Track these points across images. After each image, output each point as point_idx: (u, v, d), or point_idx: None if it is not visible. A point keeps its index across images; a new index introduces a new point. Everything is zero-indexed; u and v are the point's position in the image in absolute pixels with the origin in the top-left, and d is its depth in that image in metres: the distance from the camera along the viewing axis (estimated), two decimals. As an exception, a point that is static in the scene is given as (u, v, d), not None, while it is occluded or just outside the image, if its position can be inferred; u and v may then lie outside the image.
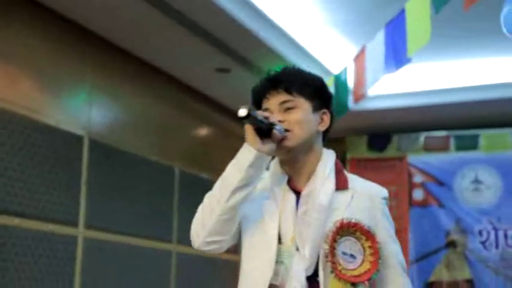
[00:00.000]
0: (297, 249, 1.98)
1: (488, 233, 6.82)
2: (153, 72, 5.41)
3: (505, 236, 6.75)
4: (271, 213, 2.04)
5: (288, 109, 2.01)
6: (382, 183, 7.03)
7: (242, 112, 1.85)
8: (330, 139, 6.99)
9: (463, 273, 6.86)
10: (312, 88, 2.04)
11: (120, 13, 4.52)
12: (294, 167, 2.06)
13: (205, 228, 1.96)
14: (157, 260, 5.35)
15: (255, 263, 2.01)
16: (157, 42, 4.96)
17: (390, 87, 6.32)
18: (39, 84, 4.41)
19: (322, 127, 2.04)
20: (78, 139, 4.63)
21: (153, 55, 5.22)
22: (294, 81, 2.04)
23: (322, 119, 2.04)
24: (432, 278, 6.93)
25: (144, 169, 5.26)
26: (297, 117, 2.00)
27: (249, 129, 1.91)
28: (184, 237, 5.11)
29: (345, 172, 2.09)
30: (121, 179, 5.00)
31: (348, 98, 5.21)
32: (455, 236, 6.93)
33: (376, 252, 1.98)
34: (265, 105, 2.05)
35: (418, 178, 7.13)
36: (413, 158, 7.16)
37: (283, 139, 1.94)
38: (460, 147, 7.03)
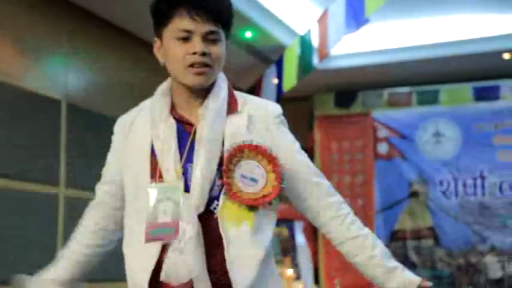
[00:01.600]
0: (186, 184, 1.85)
1: (449, 182, 7.05)
2: (129, 38, 5.57)
3: (464, 185, 6.98)
4: (143, 147, 1.92)
5: (212, 41, 1.86)
6: (348, 139, 7.40)
7: None
8: (298, 97, 7.37)
9: (425, 221, 7.09)
10: (231, 19, 1.92)
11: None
12: (187, 96, 1.93)
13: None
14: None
15: (136, 216, 1.89)
16: (132, 7, 5.12)
17: (355, 47, 6.52)
18: (18, 51, 4.60)
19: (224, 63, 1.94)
20: (57, 103, 4.84)
21: (129, 21, 5.37)
22: (223, 10, 1.89)
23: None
24: (397, 227, 7.16)
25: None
26: (219, 53, 1.88)
27: None
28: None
29: (236, 94, 1.97)
30: (97, 140, 5.22)
31: (313, 57, 5.46)
32: (417, 187, 7.14)
33: (279, 176, 1.85)
34: (186, 25, 1.84)
35: (382, 133, 7.28)
36: (377, 114, 7.30)
37: None
38: (421, 102, 7.19)
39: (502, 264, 6.85)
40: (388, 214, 7.20)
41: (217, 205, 1.83)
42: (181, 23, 1.84)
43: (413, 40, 6.54)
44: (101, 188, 2.05)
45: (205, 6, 1.83)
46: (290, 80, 5.66)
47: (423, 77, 7.11)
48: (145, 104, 1.99)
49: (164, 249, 1.80)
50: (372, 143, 7.28)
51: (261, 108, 1.94)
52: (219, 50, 1.87)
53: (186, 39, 1.84)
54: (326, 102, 7.45)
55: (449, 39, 6.43)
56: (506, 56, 6.53)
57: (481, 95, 6.98)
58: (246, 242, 1.82)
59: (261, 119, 1.92)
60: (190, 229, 1.79)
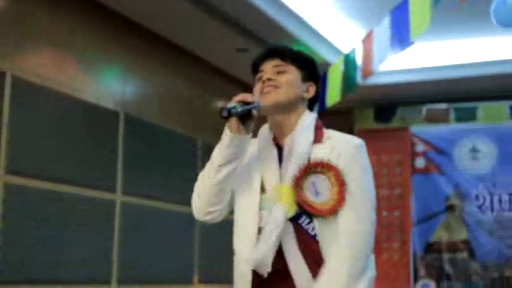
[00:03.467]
0: None
1: (484, 197, 7.15)
2: (179, 53, 5.90)
3: (500, 200, 7.09)
4: (255, 170, 2.24)
5: (280, 72, 2.25)
6: (387, 152, 7.62)
7: (224, 113, 2.08)
8: (339, 111, 7.66)
9: (461, 235, 7.19)
10: (302, 60, 2.31)
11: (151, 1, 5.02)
12: (278, 124, 2.25)
13: (201, 201, 2.22)
14: (181, 222, 5.89)
15: (244, 216, 2.20)
16: (182, 25, 5.44)
17: (395, 64, 6.75)
18: (81, 65, 4.93)
19: (307, 95, 2.28)
20: (115, 114, 5.16)
21: (179, 37, 5.70)
22: (289, 51, 2.31)
23: (308, 89, 2.29)
24: (432, 239, 7.27)
25: (171, 141, 5.79)
26: (287, 78, 2.23)
27: (232, 121, 2.12)
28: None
29: (324, 129, 2.26)
30: (150, 149, 5.53)
31: (357, 74, 5.69)
32: (454, 201, 7.25)
33: (342, 192, 2.09)
34: (261, 67, 2.27)
35: (420, 147, 7.41)
36: (415, 129, 7.44)
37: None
38: (459, 119, 7.34)
39: (535, 278, 6.98)
40: (424, 226, 7.31)
41: (307, 222, 2.12)
42: (259, 69, 2.28)
43: (451, 59, 6.73)
44: None
45: (271, 51, 2.29)
46: (333, 96, 5.88)
47: (461, 94, 7.27)
48: (251, 141, 2.29)
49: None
50: (410, 157, 7.43)
51: (343, 142, 2.20)
52: (285, 78, 2.24)
53: (261, 78, 2.26)
54: (366, 117, 7.65)
55: (486, 59, 6.62)
56: (543, 76, 6.70)
57: (518, 112, 7.15)
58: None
59: (343, 149, 2.17)
60: (275, 230, 2.10)
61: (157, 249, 5.46)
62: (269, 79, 2.22)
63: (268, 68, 2.26)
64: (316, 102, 2.34)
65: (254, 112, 2.14)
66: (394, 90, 7.16)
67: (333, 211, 2.10)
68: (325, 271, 2.06)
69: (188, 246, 5.90)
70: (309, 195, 2.13)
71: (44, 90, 4.51)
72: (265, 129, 2.29)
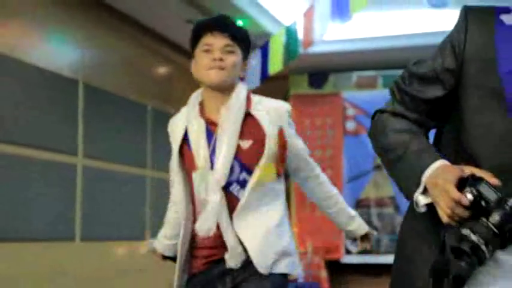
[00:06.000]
0: (212, 167, 2.40)
1: None
2: (133, 24, 6.16)
3: None
4: (179, 140, 2.48)
5: (229, 52, 2.43)
6: (320, 116, 8.17)
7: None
8: (275, 77, 8.09)
9: (388, 191, 7.76)
10: (247, 41, 2.52)
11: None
12: (213, 99, 2.46)
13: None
14: (134, 182, 6.25)
15: (178, 192, 2.52)
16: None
17: (328, 35, 7.20)
18: (43, 36, 5.17)
19: (242, 73, 2.51)
20: (74, 82, 5.44)
21: (133, 9, 5.94)
22: (238, 31, 2.49)
23: (244, 67, 2.52)
24: (362, 195, 7.85)
25: (123, 107, 6.11)
26: (234, 61, 2.43)
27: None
28: (157, 165, 6.00)
29: (252, 96, 2.49)
30: (106, 115, 5.84)
31: (298, 45, 6.15)
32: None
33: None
34: (208, 40, 2.43)
35: (350, 111, 7.91)
36: (347, 94, 7.94)
37: None
38: (386, 85, 7.72)
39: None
40: (354, 184, 7.86)
41: (237, 189, 2.41)
42: (205, 39, 2.46)
43: (379, 31, 7.23)
44: (172, 174, 2.68)
45: (222, 27, 2.46)
46: (275, 65, 6.33)
47: (388, 63, 7.73)
48: (182, 110, 2.59)
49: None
50: (341, 120, 7.91)
51: (275, 106, 2.50)
52: (233, 60, 2.45)
53: (208, 51, 2.45)
54: (300, 83, 8.04)
55: (412, 31, 7.17)
56: (462, 46, 7.30)
57: (439, 80, 7.75)
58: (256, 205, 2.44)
59: (277, 113, 2.47)
60: (214, 197, 2.40)
61: (114, 208, 5.82)
62: (220, 59, 2.41)
63: (218, 45, 2.42)
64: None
65: None
66: (326, 58, 7.56)
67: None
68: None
69: (141, 205, 6.29)
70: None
71: (8, 59, 4.71)
72: (193, 102, 2.50)
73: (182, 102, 5.70)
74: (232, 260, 2.42)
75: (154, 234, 6.28)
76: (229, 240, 2.40)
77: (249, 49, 2.55)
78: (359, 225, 2.72)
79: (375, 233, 2.83)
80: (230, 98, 2.45)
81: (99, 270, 5.57)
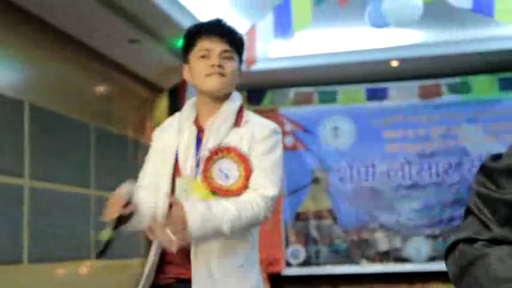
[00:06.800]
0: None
1: (345, 170, 7.96)
2: (75, 43, 6.12)
3: (358, 172, 7.93)
4: (172, 147, 2.32)
5: (227, 58, 2.29)
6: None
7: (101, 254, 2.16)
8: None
9: (325, 204, 7.96)
10: (243, 48, 2.40)
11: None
12: (207, 106, 2.31)
13: None
14: (79, 202, 6.22)
15: (157, 197, 2.31)
16: (77, 17, 5.68)
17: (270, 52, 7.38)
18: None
19: (238, 79, 2.39)
20: (20, 102, 5.41)
21: (76, 28, 5.91)
22: (236, 36, 2.36)
23: (240, 73, 2.40)
24: (300, 209, 7.98)
25: (68, 127, 6.09)
26: (233, 68, 2.31)
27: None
28: (101, 184, 6.01)
29: (246, 112, 2.35)
30: (51, 136, 5.81)
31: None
32: (318, 174, 8.00)
33: (247, 177, 2.23)
34: (206, 45, 2.29)
35: (288, 127, 8.02)
36: (284, 110, 8.10)
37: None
38: (322, 101, 8.06)
39: (388, 239, 7.89)
40: (293, 198, 8.00)
41: None
42: (202, 44, 2.32)
43: (314, 49, 7.43)
44: (145, 178, 2.47)
45: (220, 31, 2.33)
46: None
47: (323, 79, 7.99)
48: (176, 115, 2.44)
49: None
50: (279, 135, 8.13)
51: (259, 122, 2.34)
52: (232, 67, 2.31)
53: (205, 57, 2.31)
54: None
55: (347, 48, 7.41)
56: (394, 63, 7.62)
57: (373, 95, 7.98)
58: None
59: (255, 132, 2.29)
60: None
61: (60, 229, 5.79)
62: (219, 65, 2.27)
63: (217, 51, 2.28)
64: None
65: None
66: (264, 75, 7.67)
67: (245, 187, 2.24)
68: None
69: (85, 225, 6.26)
70: (220, 181, 2.23)
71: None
72: (188, 107, 2.37)
73: (124, 121, 5.83)
74: (198, 285, 2.22)
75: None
76: (197, 260, 2.24)
77: (243, 54, 2.42)
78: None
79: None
80: (223, 107, 2.32)
81: (47, 291, 5.53)
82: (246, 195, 2.22)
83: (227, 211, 2.17)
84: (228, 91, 2.34)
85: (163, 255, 2.33)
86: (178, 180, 2.30)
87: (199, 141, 2.31)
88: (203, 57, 2.29)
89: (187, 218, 2.10)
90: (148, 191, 2.37)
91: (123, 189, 2.21)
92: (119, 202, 2.18)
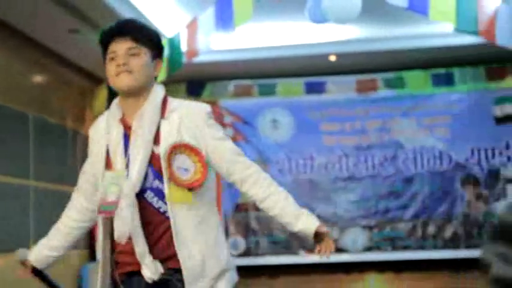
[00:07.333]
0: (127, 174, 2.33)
1: (284, 162, 8.12)
2: (13, 33, 6.06)
3: (297, 164, 8.09)
4: (102, 146, 2.44)
5: (133, 55, 2.37)
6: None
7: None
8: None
9: None
10: (153, 40, 2.45)
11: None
12: (129, 104, 2.41)
13: None
14: (16, 193, 6.16)
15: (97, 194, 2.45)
16: (17, 6, 5.64)
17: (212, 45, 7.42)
18: None
19: (156, 73, 2.46)
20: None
21: (15, 17, 5.86)
22: (140, 32, 2.42)
23: (156, 67, 2.47)
24: (240, 200, 8.10)
25: (6, 117, 6.02)
26: (140, 63, 2.37)
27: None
28: (40, 175, 6.01)
29: (170, 100, 2.44)
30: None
31: (181, 56, 6.32)
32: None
33: (204, 165, 2.38)
34: (112, 47, 2.39)
35: (228, 119, 8.14)
36: (224, 102, 8.19)
37: None
38: (262, 93, 8.18)
39: (325, 229, 8.12)
40: (232, 189, 7.86)
41: (151, 196, 2.37)
42: (110, 48, 2.43)
43: (256, 42, 7.53)
44: (82, 177, 2.64)
45: (122, 31, 2.42)
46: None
47: (263, 72, 8.09)
48: (105, 114, 2.55)
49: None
50: (219, 127, 8.20)
51: (190, 110, 2.44)
52: (139, 62, 2.40)
53: (113, 59, 2.42)
54: (178, 91, 8.13)
55: (287, 42, 7.53)
56: (332, 58, 7.78)
57: (311, 88, 8.14)
58: (191, 224, 2.37)
59: (191, 118, 2.41)
60: (126, 202, 2.34)
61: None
62: (124, 63, 2.37)
63: (121, 51, 2.38)
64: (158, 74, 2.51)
65: None
66: (204, 67, 7.74)
67: (205, 168, 2.38)
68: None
69: (24, 216, 6.20)
70: (184, 177, 2.36)
71: None
72: (114, 106, 2.47)
73: (64, 112, 5.81)
74: (147, 271, 2.35)
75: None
76: (139, 248, 2.36)
77: (159, 47, 2.50)
78: (306, 223, 2.43)
79: (325, 229, 2.45)
80: (146, 102, 2.40)
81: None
82: (256, 177, 2.48)
83: (282, 193, 2.53)
84: (142, 85, 2.41)
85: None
86: (107, 173, 2.40)
87: (127, 139, 2.42)
88: (112, 59, 2.40)
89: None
90: (76, 196, 2.65)
91: (19, 257, 2.62)
92: (25, 272, 2.62)
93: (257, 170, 2.51)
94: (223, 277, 2.46)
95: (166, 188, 2.36)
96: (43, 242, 2.66)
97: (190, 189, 2.36)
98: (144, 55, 2.41)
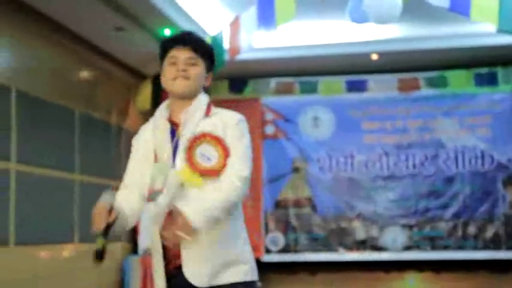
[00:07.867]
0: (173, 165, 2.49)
1: (324, 160, 8.16)
2: (60, 29, 6.23)
3: (337, 162, 8.14)
4: (150, 143, 2.59)
5: (192, 64, 2.56)
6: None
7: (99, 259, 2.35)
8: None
9: (305, 192, 8.17)
10: (209, 54, 2.64)
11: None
12: (178, 104, 2.58)
13: None
14: (63, 187, 6.33)
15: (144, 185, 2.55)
16: (66, 4, 5.79)
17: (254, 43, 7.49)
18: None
19: (206, 84, 2.63)
20: (7, 89, 5.50)
21: (63, 15, 6.02)
22: (200, 45, 2.61)
23: (208, 79, 2.64)
24: (280, 196, 8.18)
25: (54, 112, 6.19)
26: (197, 72, 2.57)
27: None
28: (85, 169, 6.17)
29: (213, 108, 2.60)
30: (37, 121, 5.91)
31: (224, 54, 6.41)
32: (298, 163, 8.19)
33: (226, 157, 2.50)
34: (173, 53, 2.57)
35: (269, 116, 8.26)
36: (265, 99, 8.28)
37: None
38: (303, 91, 8.24)
39: (366, 228, 8.12)
40: (273, 186, 8.21)
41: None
42: (171, 53, 2.60)
43: (296, 40, 7.59)
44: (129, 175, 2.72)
45: (185, 41, 2.61)
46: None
47: (305, 70, 8.15)
48: (150, 120, 2.69)
49: None
50: (260, 124, 8.24)
51: (228, 114, 2.62)
52: (196, 71, 2.58)
53: (173, 64, 2.60)
54: (221, 88, 8.28)
55: (329, 41, 7.57)
56: (373, 56, 7.81)
57: (352, 87, 8.18)
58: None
59: (226, 120, 2.58)
60: (168, 189, 2.47)
61: (45, 212, 5.91)
62: (183, 70, 2.55)
63: (182, 57, 2.57)
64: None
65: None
66: (246, 65, 7.82)
67: (226, 164, 2.49)
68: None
69: (69, 209, 6.38)
70: (204, 164, 2.50)
71: None
72: (162, 108, 2.64)
73: (109, 107, 5.84)
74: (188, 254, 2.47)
75: (82, 238, 6.43)
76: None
77: (212, 62, 2.68)
78: (185, 208, 2.45)
79: (185, 221, 2.40)
80: (193, 103, 2.58)
81: (31, 272, 5.65)
82: (226, 181, 2.49)
83: (216, 200, 2.47)
84: (194, 92, 2.60)
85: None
86: (154, 165, 2.57)
87: (173, 133, 2.59)
88: (173, 63, 2.58)
89: (189, 219, 2.40)
90: (129, 189, 2.65)
91: (103, 200, 2.47)
92: (102, 213, 2.43)
93: (233, 180, 2.50)
94: (231, 267, 2.52)
95: (178, 165, 2.49)
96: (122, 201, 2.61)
97: (203, 175, 2.49)
98: (201, 66, 2.61)
